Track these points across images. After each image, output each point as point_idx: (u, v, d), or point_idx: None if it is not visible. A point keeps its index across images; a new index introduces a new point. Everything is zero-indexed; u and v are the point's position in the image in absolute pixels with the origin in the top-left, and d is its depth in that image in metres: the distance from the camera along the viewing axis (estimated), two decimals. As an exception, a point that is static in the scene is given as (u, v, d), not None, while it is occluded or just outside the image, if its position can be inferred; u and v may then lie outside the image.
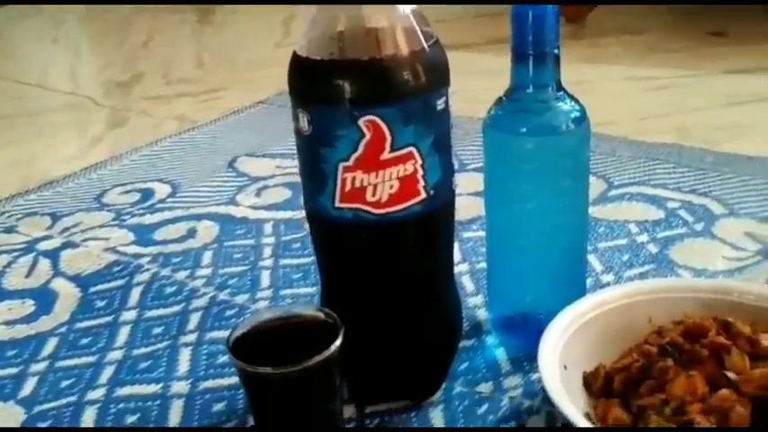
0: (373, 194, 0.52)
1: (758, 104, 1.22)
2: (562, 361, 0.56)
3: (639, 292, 0.62)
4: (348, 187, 0.52)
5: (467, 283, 0.76)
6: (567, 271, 0.64)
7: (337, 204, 0.53)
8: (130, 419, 0.61)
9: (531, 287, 0.63)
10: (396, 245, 0.54)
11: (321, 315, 0.51)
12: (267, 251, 0.86)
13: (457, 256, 0.81)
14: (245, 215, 0.96)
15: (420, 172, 0.52)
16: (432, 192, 0.53)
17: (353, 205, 0.52)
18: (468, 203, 0.84)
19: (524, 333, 0.63)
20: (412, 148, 0.51)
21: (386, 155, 0.51)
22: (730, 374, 0.52)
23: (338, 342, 0.47)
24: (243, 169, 1.10)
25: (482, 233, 0.74)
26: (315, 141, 0.52)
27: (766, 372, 0.50)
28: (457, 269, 0.78)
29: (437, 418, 0.58)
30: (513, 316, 0.66)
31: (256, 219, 0.94)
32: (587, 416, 0.55)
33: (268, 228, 0.91)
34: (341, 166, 0.51)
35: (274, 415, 0.48)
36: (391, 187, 0.52)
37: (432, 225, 0.55)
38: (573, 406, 0.50)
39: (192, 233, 0.92)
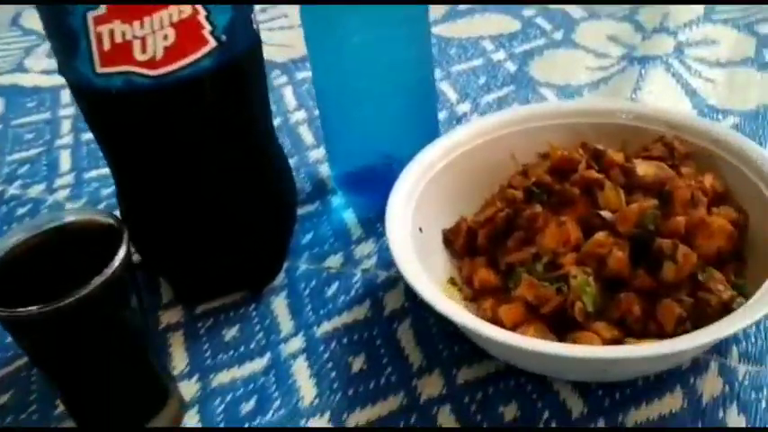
0: (143, 51, 0.39)
1: None
2: (416, 221, 0.47)
3: (499, 125, 0.53)
4: (107, 45, 0.38)
5: (305, 135, 0.65)
6: (414, 110, 0.54)
7: (99, 70, 0.39)
8: None
9: (374, 135, 0.53)
10: (187, 112, 0.41)
11: (100, 219, 0.39)
12: (66, 126, 0.71)
13: (292, 101, 0.70)
14: (37, 83, 0.79)
15: (202, 13, 0.39)
16: (224, 37, 0.40)
17: (121, 68, 0.39)
18: (299, 37, 0.71)
19: (374, 189, 0.53)
20: (183, -18, 0.38)
21: (148, -6, 0.37)
22: (605, 214, 0.44)
23: (122, 254, 0.36)
24: (30, 26, 0.91)
25: (315, 74, 0.63)
26: (48, -14, 0.38)
27: (643, 206, 0.43)
28: (293, 117, 0.67)
29: (280, 306, 0.49)
30: (359, 171, 0.56)
31: (51, 86, 0.78)
32: (452, 281, 0.47)
33: (66, 96, 0.76)
34: (90, 16, 0.38)
35: (58, 358, 0.38)
36: (166, 38, 0.38)
37: (232, 80, 0.42)
38: (426, 279, 0.42)
39: (-31, 114, 0.75)
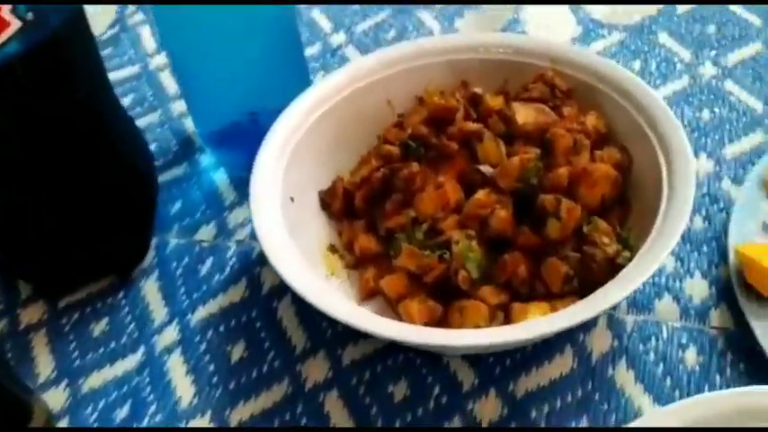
0: (-72, 42, 0.33)
1: None
2: (288, 185, 0.43)
3: (376, 67, 0.48)
4: None
5: (167, 82, 0.59)
6: (277, 54, 0.48)
7: None
8: None
9: (233, 87, 0.48)
10: (5, 105, 0.36)
11: None
12: None
13: (150, 43, 0.63)
14: None
15: (-5, -10, 0.33)
16: (30, 15, 0.34)
17: None
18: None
19: (244, 146, 0.48)
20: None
21: None
22: (485, 169, 0.42)
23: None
24: None
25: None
26: None
27: (524, 159, 0.41)
28: (152, 62, 0.61)
29: (151, 291, 0.45)
30: (224, 128, 0.51)
31: None
32: (332, 248, 0.44)
33: None
34: None
35: None
36: (-46, 25, 0.33)
37: (49, 58, 0.36)
38: (297, 258, 0.39)
39: None
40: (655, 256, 0.36)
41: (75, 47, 0.38)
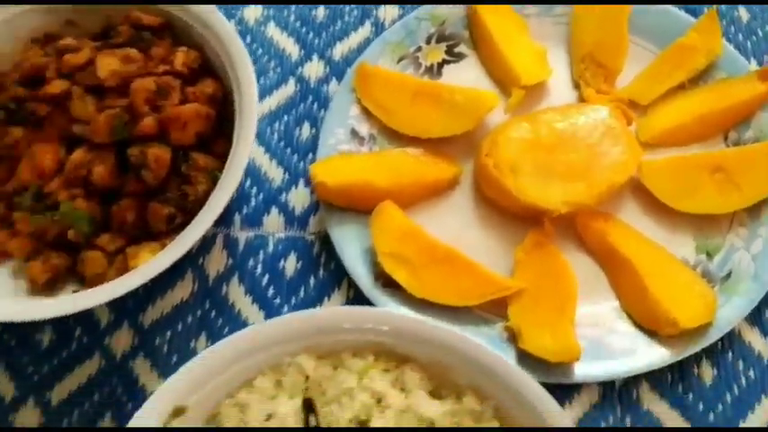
0: None
1: None
2: None
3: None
4: None
5: None
6: None
7: None
8: None
9: None
10: None
11: None
12: None
13: None
14: None
15: None
16: None
17: None
18: None
19: None
20: None
21: None
22: (77, 128, 0.43)
23: None
24: None
25: None
26: None
27: (109, 114, 0.42)
28: None
29: None
30: None
31: None
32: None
33: None
34: None
35: None
36: None
37: None
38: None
39: None
40: (228, 182, 0.41)
41: None
